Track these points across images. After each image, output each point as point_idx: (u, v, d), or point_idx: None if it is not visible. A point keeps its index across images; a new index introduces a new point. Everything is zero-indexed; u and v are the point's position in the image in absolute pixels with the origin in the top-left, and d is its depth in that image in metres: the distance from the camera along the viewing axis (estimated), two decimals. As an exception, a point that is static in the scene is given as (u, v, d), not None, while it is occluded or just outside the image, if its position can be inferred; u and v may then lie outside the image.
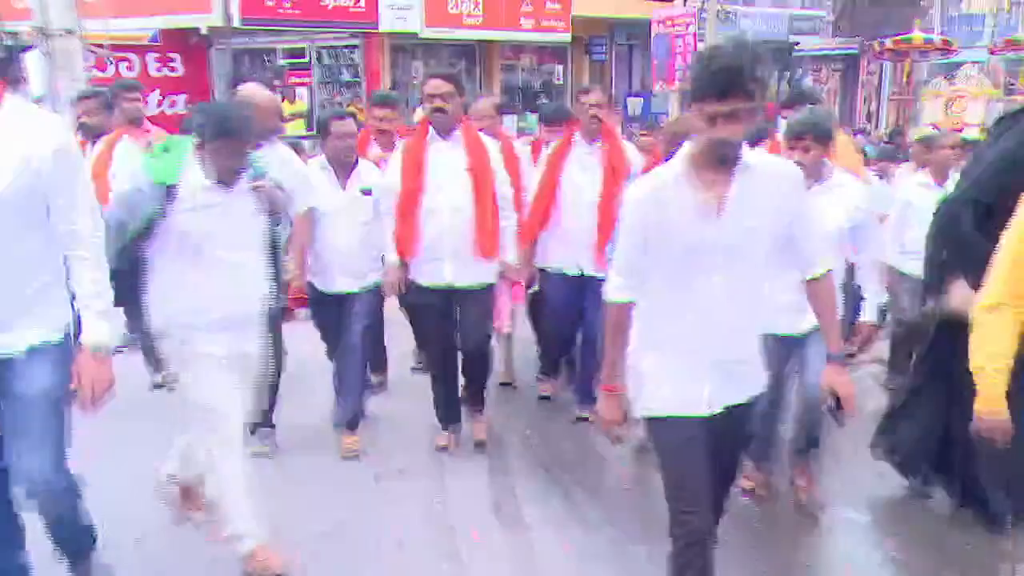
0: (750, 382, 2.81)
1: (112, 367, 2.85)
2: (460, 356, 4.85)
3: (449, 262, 4.53)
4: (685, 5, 16.68)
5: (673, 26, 15.74)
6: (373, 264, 4.75)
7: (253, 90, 4.60)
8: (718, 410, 2.72)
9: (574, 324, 5.26)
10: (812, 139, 3.73)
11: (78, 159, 2.88)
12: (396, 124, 5.72)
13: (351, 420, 4.83)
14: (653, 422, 2.78)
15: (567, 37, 17.79)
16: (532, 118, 13.49)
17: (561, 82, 19.20)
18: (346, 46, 15.81)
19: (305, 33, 15.18)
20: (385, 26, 15.14)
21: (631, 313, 2.73)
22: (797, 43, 23.03)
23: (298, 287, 4.67)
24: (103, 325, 2.80)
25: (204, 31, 14.23)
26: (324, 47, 15.84)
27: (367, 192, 4.70)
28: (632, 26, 19.07)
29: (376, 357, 5.60)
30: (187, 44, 14.66)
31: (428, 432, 4.97)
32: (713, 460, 2.74)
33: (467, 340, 4.73)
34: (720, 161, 2.53)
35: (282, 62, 15.84)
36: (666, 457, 2.77)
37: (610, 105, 6.07)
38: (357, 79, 15.91)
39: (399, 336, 5.72)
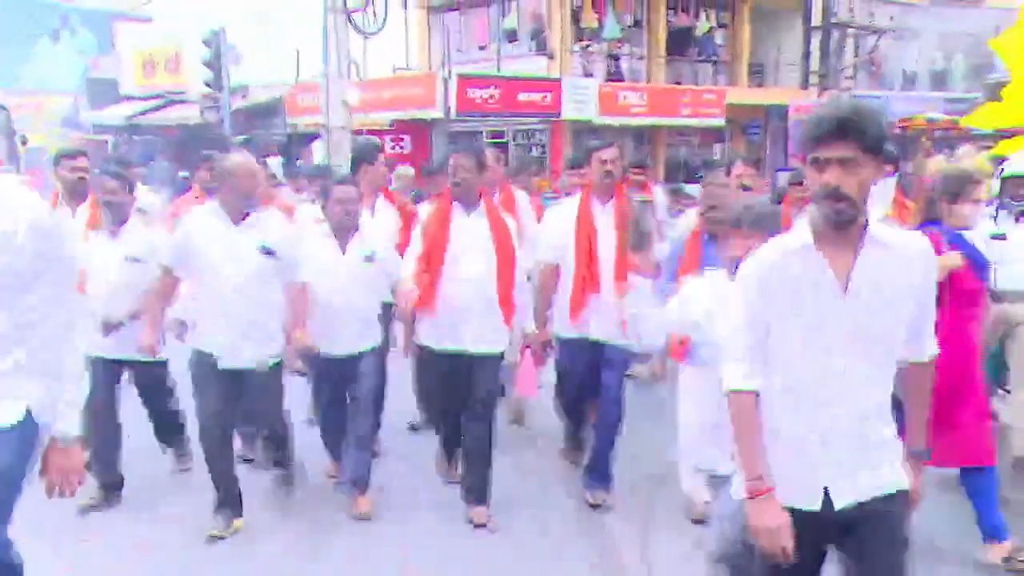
0: (881, 476, 2.46)
1: (80, 456, 2.77)
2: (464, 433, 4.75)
3: (468, 328, 4.56)
4: (819, 97, 19.53)
5: (808, 113, 18.64)
6: (371, 328, 4.83)
7: (235, 159, 4.48)
8: (842, 506, 2.42)
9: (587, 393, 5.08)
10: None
11: (58, 235, 2.70)
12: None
13: (361, 480, 4.76)
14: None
15: (722, 122, 21.08)
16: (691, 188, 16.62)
17: (719, 159, 22.34)
18: (536, 129, 19.84)
19: (505, 120, 19.30)
20: (566, 115, 19.06)
21: (757, 402, 2.46)
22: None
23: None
24: (74, 414, 2.70)
25: (428, 119, 18.60)
26: (519, 130, 19.95)
27: (369, 258, 4.68)
28: (784, 110, 22.06)
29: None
30: (414, 128, 19.05)
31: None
32: (857, 565, 2.49)
33: (475, 405, 4.63)
34: (832, 219, 2.29)
35: (486, 141, 19.99)
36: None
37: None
38: (544, 155, 19.87)
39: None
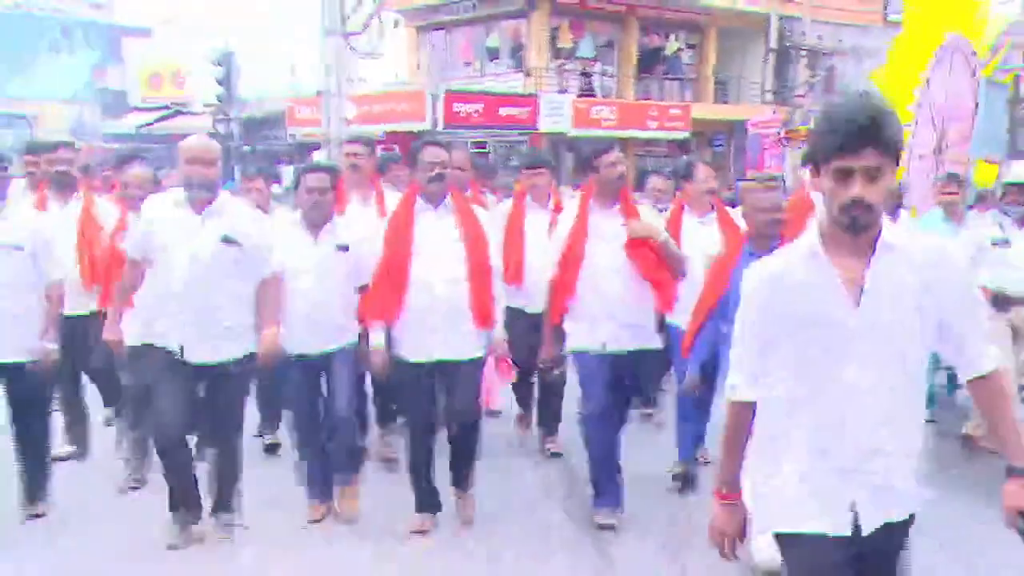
0: (902, 497, 2.29)
1: None
2: (447, 433, 4.53)
3: (440, 335, 4.26)
4: (774, 113, 21.39)
5: (764, 127, 20.51)
6: (349, 323, 4.50)
7: (192, 140, 4.22)
8: (868, 531, 2.24)
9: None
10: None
11: None
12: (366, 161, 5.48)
13: (327, 488, 4.60)
14: (786, 540, 2.33)
15: (687, 134, 22.97)
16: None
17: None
18: (515, 141, 21.61)
19: (487, 132, 21.08)
20: (543, 127, 20.90)
21: (753, 414, 2.34)
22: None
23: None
24: None
25: (416, 131, 20.31)
26: (500, 141, 21.73)
27: (343, 248, 4.42)
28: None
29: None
30: (403, 138, 20.72)
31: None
32: None
33: (456, 416, 4.41)
34: (854, 228, 2.13)
35: (470, 151, 21.69)
36: None
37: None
38: (524, 165, 21.62)
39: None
